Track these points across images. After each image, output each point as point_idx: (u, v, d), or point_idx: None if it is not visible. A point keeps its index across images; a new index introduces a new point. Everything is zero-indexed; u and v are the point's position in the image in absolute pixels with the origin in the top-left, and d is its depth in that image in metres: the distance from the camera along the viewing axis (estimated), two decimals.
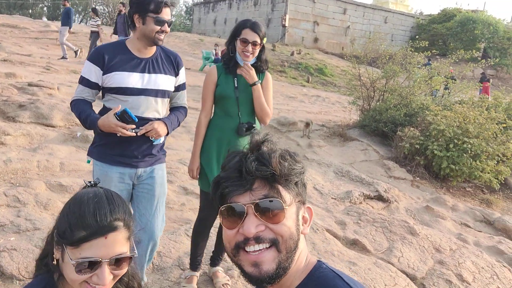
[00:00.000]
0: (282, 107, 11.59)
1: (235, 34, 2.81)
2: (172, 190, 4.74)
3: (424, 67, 9.65)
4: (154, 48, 2.56)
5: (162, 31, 2.44)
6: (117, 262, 1.25)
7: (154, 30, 2.41)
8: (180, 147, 6.38)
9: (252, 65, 2.83)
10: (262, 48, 2.87)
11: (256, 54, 2.81)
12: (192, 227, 3.12)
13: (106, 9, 51.08)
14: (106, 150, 2.50)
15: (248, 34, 2.74)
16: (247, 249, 1.03)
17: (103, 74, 2.44)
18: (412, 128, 7.87)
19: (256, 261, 1.02)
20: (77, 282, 1.24)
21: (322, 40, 27.68)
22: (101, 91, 2.54)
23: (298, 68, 20.59)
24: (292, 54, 22.26)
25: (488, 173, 7.29)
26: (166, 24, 2.44)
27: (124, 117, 2.28)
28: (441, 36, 29.33)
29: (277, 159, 1.03)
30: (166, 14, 2.43)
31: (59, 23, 15.85)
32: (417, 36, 10.70)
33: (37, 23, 22.89)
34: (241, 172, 1.04)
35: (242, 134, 2.81)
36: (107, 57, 2.43)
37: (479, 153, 7.23)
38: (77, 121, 6.56)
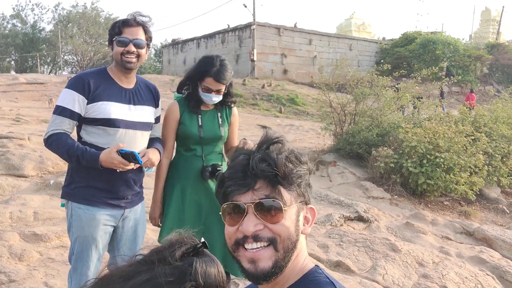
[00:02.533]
0: (257, 138, 11.61)
1: (198, 77, 2.65)
2: (151, 229, 4.65)
3: (390, 89, 9.94)
4: (134, 78, 2.46)
5: (128, 52, 2.29)
6: None
7: (119, 52, 2.29)
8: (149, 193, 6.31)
9: (219, 101, 2.70)
10: (229, 85, 2.72)
11: (221, 94, 2.67)
12: None
13: (75, 58, 51.23)
14: (92, 191, 2.30)
15: (211, 84, 2.60)
16: (246, 246, 1.05)
17: (88, 103, 2.26)
18: (385, 148, 8.02)
19: (253, 258, 1.05)
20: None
21: (291, 71, 28.27)
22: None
23: (270, 99, 20.89)
24: (263, 86, 22.61)
25: (463, 185, 7.43)
26: (131, 44, 2.29)
27: (128, 157, 2.18)
28: (405, 59, 30.36)
29: (283, 161, 1.05)
30: (129, 33, 2.30)
31: (27, 75, 15.83)
32: (382, 60, 11.07)
33: (4, 77, 22.72)
34: (245, 171, 1.06)
35: (206, 178, 2.64)
36: (92, 85, 2.27)
37: (452, 166, 7.39)
38: (50, 169, 6.50)
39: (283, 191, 1.06)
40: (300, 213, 1.11)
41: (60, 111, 2.26)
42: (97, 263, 2.38)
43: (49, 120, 2.34)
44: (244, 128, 12.94)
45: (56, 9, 53.28)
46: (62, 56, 50.68)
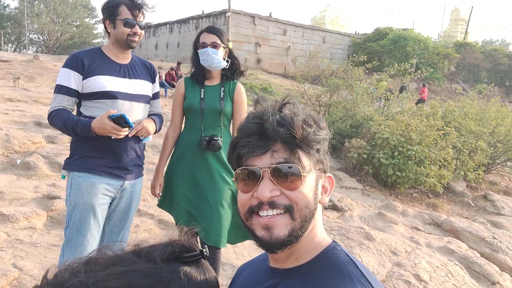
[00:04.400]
0: None
1: (196, 43, 2.77)
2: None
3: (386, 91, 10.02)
4: (129, 55, 2.55)
5: (135, 33, 2.41)
6: None
7: (125, 32, 2.39)
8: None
9: (223, 73, 2.77)
10: (231, 54, 2.79)
11: (222, 56, 2.71)
12: None
13: (41, 37, 49.41)
14: (93, 161, 2.37)
15: (205, 37, 2.71)
16: (261, 213, 0.98)
17: (83, 79, 2.35)
18: (358, 139, 8.11)
19: (268, 225, 0.98)
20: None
21: (264, 60, 28.20)
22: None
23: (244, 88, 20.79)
24: None
25: (432, 178, 7.62)
26: (137, 26, 2.41)
27: (120, 121, 2.22)
28: (377, 54, 30.79)
29: (300, 123, 0.98)
30: (134, 15, 2.40)
31: None
32: (354, 54, 11.16)
33: None
34: (260, 133, 0.98)
35: (203, 148, 2.68)
36: (86, 62, 2.37)
37: (423, 159, 7.56)
38: (16, 148, 6.23)
39: (302, 155, 0.99)
40: (319, 180, 1.04)
41: (59, 89, 2.38)
42: (96, 235, 2.40)
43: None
44: None
45: None
46: (27, 34, 48.76)
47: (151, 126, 2.51)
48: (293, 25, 30.01)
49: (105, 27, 2.48)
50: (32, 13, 48.26)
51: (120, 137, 2.32)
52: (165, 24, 33.23)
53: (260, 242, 1.00)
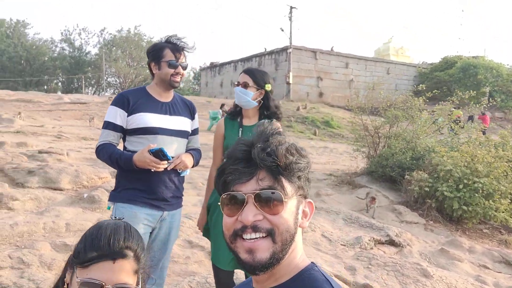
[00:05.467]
0: None
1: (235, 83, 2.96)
2: (177, 244, 4.68)
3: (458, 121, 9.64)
4: (171, 94, 2.74)
5: (177, 74, 2.60)
6: None
7: (169, 73, 2.59)
8: (186, 202, 6.36)
9: (261, 113, 2.86)
10: (266, 96, 2.86)
11: (254, 97, 2.80)
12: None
13: (117, 80, 53.16)
14: (135, 193, 2.54)
15: (240, 77, 2.86)
16: (244, 236, 1.05)
17: (128, 115, 2.56)
18: (420, 171, 7.80)
19: (251, 248, 1.04)
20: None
21: (327, 94, 28.21)
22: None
23: (305, 122, 20.85)
24: (297, 109, 22.63)
25: (503, 212, 7.10)
26: (179, 67, 2.60)
27: (158, 155, 2.39)
28: (445, 83, 29.70)
29: (283, 152, 1.05)
30: (178, 57, 2.61)
31: (72, 95, 16.50)
32: (420, 84, 10.85)
33: (50, 97, 23.80)
34: (246, 161, 1.06)
35: None
36: (131, 100, 2.58)
37: (492, 192, 7.08)
38: (85, 183, 6.69)
39: (285, 182, 1.06)
40: (299, 206, 1.11)
41: (106, 125, 2.60)
42: None
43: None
44: None
45: (101, 34, 55.71)
46: (105, 78, 52.72)
47: (189, 160, 2.65)
48: (355, 58, 29.92)
49: (150, 69, 2.69)
50: (110, 58, 52.26)
51: (159, 170, 2.46)
52: (229, 62, 34.48)
53: (244, 265, 1.07)
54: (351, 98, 27.38)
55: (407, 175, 7.87)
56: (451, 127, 9.94)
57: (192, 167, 2.73)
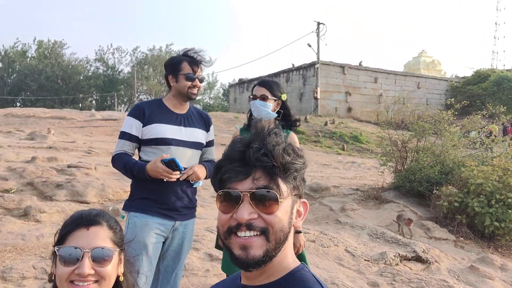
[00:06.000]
0: (315, 174, 11.52)
1: (249, 96, 2.97)
2: (198, 256, 4.68)
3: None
4: (187, 106, 2.79)
5: (194, 86, 2.66)
6: (99, 258, 1.31)
7: (186, 86, 2.65)
8: (209, 216, 6.39)
9: (277, 124, 2.87)
10: (284, 105, 2.91)
11: (272, 108, 2.84)
12: None
13: (149, 97, 54.36)
14: (147, 202, 2.59)
15: (256, 90, 2.89)
16: (239, 234, 1.06)
17: (143, 126, 2.62)
18: (449, 186, 7.57)
19: (245, 245, 1.05)
20: (64, 279, 1.29)
21: (355, 109, 27.96)
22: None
23: (333, 137, 20.67)
24: (325, 124, 22.49)
25: None
26: (197, 80, 2.66)
27: (171, 165, 2.44)
28: (478, 97, 28.94)
29: (280, 152, 1.07)
30: (195, 70, 2.67)
31: (103, 113, 16.98)
32: (452, 99, 10.59)
33: (83, 114, 24.53)
34: (242, 160, 1.07)
35: None
36: (147, 111, 2.64)
37: None
38: (110, 196, 6.81)
39: (280, 182, 1.07)
40: (294, 205, 1.12)
41: (122, 135, 2.67)
42: (148, 273, 2.55)
43: None
44: None
45: (134, 53, 57.04)
46: (137, 95, 53.98)
47: (201, 171, 2.67)
48: (384, 72, 29.61)
49: (167, 81, 2.75)
50: (142, 76, 53.55)
51: (172, 180, 2.49)
52: (257, 79, 34.68)
53: (237, 261, 1.08)
54: (380, 113, 27.04)
55: (436, 190, 7.65)
56: (482, 141, 9.64)
57: (205, 178, 2.75)
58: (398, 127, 9.95)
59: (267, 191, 1.05)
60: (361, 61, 29.45)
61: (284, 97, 2.90)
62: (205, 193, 7.50)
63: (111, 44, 66.97)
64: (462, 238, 7.12)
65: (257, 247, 1.05)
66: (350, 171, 13.05)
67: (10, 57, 52.32)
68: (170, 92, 2.76)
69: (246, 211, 1.04)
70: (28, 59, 53.58)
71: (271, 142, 1.08)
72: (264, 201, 1.05)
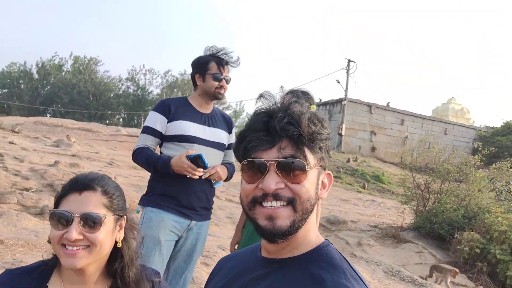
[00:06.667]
0: (334, 207, 11.34)
1: None
2: (207, 271, 4.60)
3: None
4: (211, 106, 2.80)
5: (221, 87, 2.67)
6: (88, 223, 1.29)
7: (214, 86, 2.67)
8: (223, 234, 6.31)
9: None
10: None
11: None
12: None
13: None
14: (165, 198, 2.57)
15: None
16: (264, 204, 1.03)
17: (168, 122, 2.62)
18: (471, 231, 7.32)
19: (272, 215, 1.03)
20: (55, 241, 1.28)
21: (379, 149, 27.66)
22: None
23: (354, 174, 20.41)
24: (348, 161, 22.26)
25: None
26: (224, 80, 2.68)
27: (196, 161, 2.42)
28: (507, 149, 28.27)
29: (306, 121, 1.04)
30: (223, 70, 2.69)
31: (129, 129, 17.20)
32: (480, 143, 10.35)
33: (109, 128, 25.00)
34: (267, 129, 1.04)
35: None
36: (173, 108, 2.65)
37: None
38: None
39: (307, 152, 1.04)
40: (320, 176, 1.10)
41: (145, 130, 2.66)
42: (160, 270, 2.48)
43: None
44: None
45: (165, 75, 58.28)
46: None
47: (223, 172, 2.66)
48: (411, 115, 29.36)
49: (193, 80, 2.77)
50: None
51: (195, 177, 2.47)
52: None
53: (262, 231, 1.04)
54: (404, 155, 26.67)
55: (457, 234, 7.41)
56: (510, 189, 9.36)
57: (225, 180, 2.73)
58: (421, 170, 9.77)
59: (294, 161, 1.02)
60: (389, 102, 29.31)
61: (313, 108, 2.85)
62: (221, 213, 7.44)
63: (143, 65, 68.52)
64: (482, 287, 6.81)
65: (284, 218, 1.02)
66: (369, 209, 12.79)
67: (47, 69, 54.16)
68: (196, 91, 2.77)
69: (273, 181, 1.01)
70: (63, 73, 55.31)
71: (296, 111, 1.05)
72: (291, 170, 1.02)
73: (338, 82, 27.83)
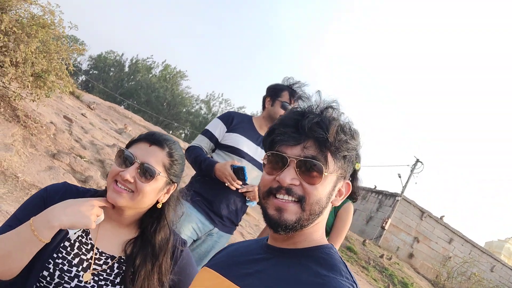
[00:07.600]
0: None
1: None
2: None
3: None
4: None
5: None
6: (143, 172, 1.39)
7: (279, 112, 2.77)
8: None
9: None
10: (353, 175, 2.80)
11: None
12: None
13: None
14: (199, 197, 2.68)
15: None
16: (277, 196, 1.08)
17: (226, 132, 2.77)
18: None
19: (281, 207, 1.08)
20: (112, 175, 1.40)
21: (417, 258, 26.29)
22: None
23: (383, 272, 19.45)
24: (381, 256, 21.32)
25: None
26: None
27: (238, 172, 2.52)
28: None
29: (335, 127, 1.08)
30: (292, 102, 2.81)
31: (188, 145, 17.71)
32: None
33: (170, 134, 25.83)
34: (296, 127, 1.09)
35: None
36: (235, 121, 2.81)
37: None
38: None
39: (330, 157, 1.08)
40: (337, 184, 1.13)
41: (205, 132, 2.87)
42: None
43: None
44: None
45: (239, 110, 60.15)
46: None
47: None
48: (462, 238, 27.84)
49: (264, 102, 2.90)
50: None
51: (232, 187, 2.55)
52: None
53: (269, 220, 1.10)
54: (442, 276, 25.13)
55: None
56: None
57: (259, 203, 2.77)
58: None
59: (314, 163, 1.05)
60: (443, 216, 28.06)
61: (358, 166, 2.83)
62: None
63: (222, 94, 71.23)
64: None
65: (291, 213, 1.06)
66: None
67: (138, 67, 57.71)
68: (263, 113, 2.90)
69: (289, 176, 1.06)
70: (150, 75, 58.63)
71: (328, 116, 1.09)
72: (309, 170, 1.06)
73: (400, 177, 27.22)
